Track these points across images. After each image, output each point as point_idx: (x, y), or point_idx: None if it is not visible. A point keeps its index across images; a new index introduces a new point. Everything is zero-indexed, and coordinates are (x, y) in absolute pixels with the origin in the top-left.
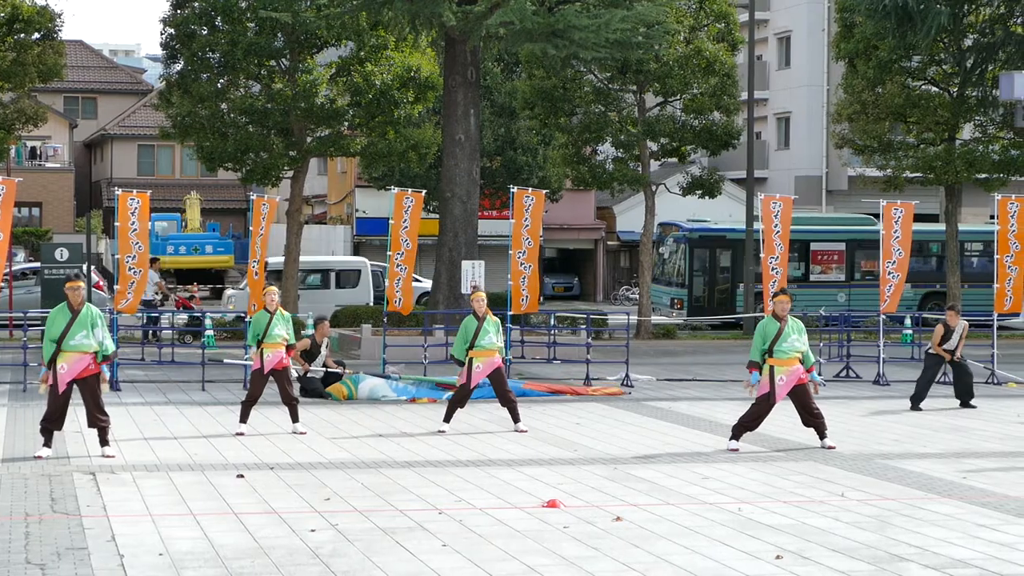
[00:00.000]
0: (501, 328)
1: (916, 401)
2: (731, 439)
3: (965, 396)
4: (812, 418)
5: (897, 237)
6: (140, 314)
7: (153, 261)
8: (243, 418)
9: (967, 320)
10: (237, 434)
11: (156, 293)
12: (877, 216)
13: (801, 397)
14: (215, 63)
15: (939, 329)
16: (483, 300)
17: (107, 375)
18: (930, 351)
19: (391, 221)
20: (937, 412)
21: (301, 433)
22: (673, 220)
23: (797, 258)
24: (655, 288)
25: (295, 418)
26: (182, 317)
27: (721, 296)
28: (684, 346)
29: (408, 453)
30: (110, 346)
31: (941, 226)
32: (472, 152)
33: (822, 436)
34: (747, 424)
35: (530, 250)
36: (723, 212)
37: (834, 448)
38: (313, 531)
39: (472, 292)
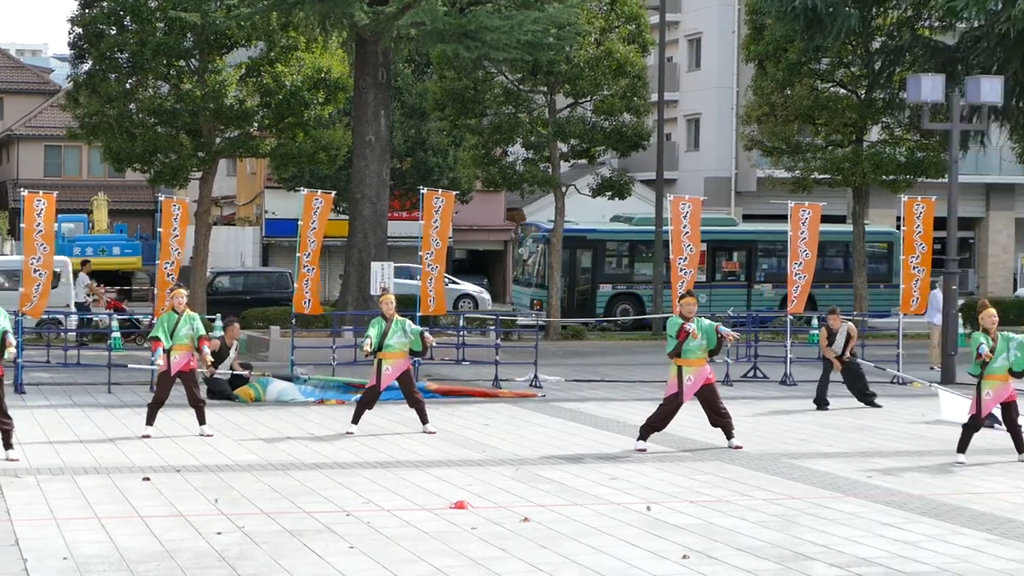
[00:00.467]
0: (409, 329)
1: (819, 403)
2: (639, 439)
3: (863, 397)
4: (719, 418)
5: (804, 238)
6: (71, 316)
7: (84, 263)
8: (149, 420)
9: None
10: (143, 436)
11: (88, 295)
12: (786, 218)
13: (708, 398)
14: (124, 63)
15: (823, 332)
16: (391, 302)
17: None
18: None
19: (300, 222)
20: (843, 412)
21: (208, 435)
22: (534, 221)
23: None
24: (516, 289)
25: (202, 420)
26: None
27: (581, 297)
28: (593, 347)
29: (316, 455)
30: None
31: (782, 226)
32: (382, 153)
33: (729, 436)
34: (655, 424)
35: (438, 251)
36: (633, 213)
37: (741, 448)
38: (220, 534)
39: (381, 294)
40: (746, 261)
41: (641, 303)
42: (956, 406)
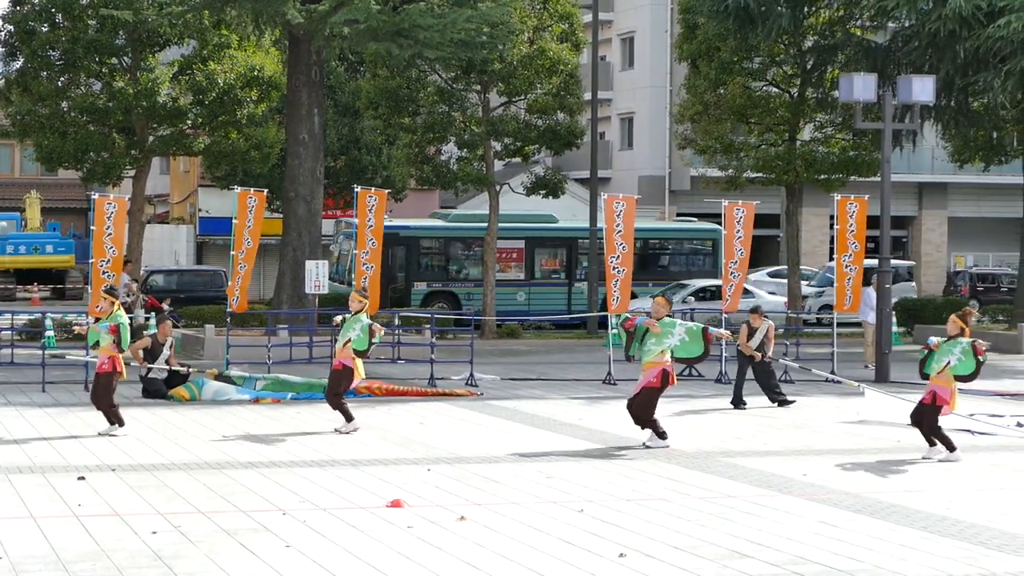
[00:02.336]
0: (358, 327)
1: (736, 403)
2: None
3: (773, 396)
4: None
5: (739, 237)
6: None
7: (126, 263)
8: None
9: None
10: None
11: (128, 295)
12: (720, 216)
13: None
14: (55, 61)
15: (744, 329)
16: (354, 300)
17: None
18: (739, 348)
19: (235, 221)
20: (778, 410)
21: (114, 435)
22: (346, 218)
23: (473, 255)
24: (332, 287)
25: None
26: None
27: (396, 295)
28: (529, 345)
29: (251, 454)
30: None
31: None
32: (316, 151)
33: (646, 434)
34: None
35: (374, 250)
36: (567, 211)
37: (650, 448)
38: (155, 533)
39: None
40: (567, 259)
41: (457, 301)
42: (882, 405)
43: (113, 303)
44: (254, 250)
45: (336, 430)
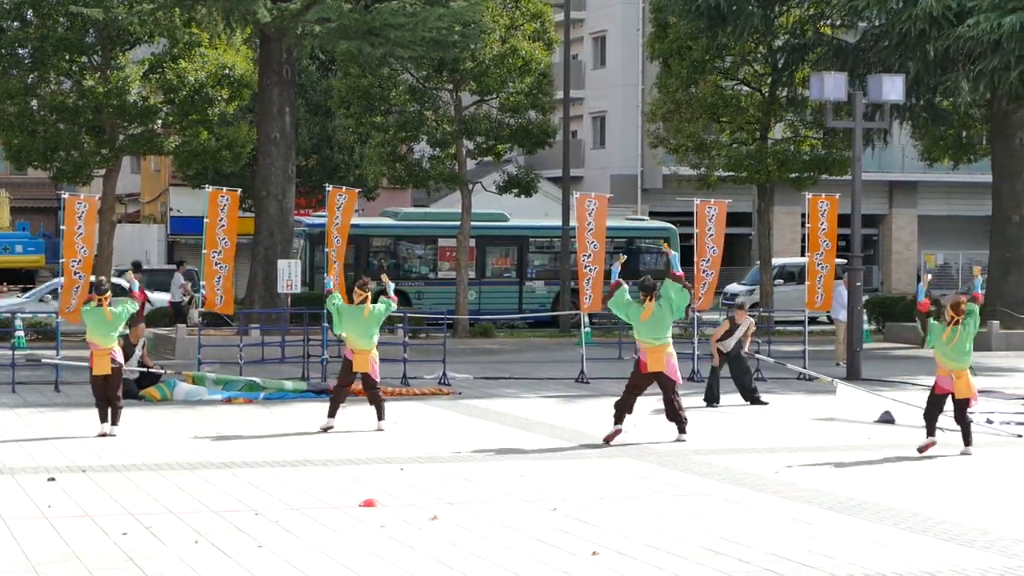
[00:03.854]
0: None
1: (709, 400)
2: (681, 434)
3: (747, 393)
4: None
5: (711, 235)
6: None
7: (179, 264)
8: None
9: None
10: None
11: (184, 295)
12: (692, 215)
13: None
14: (24, 59)
15: (724, 324)
16: (357, 293)
17: None
18: (721, 346)
19: (206, 220)
20: (748, 407)
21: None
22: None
23: (425, 254)
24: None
25: (114, 420)
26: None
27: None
28: (502, 344)
29: (223, 454)
30: None
31: (553, 222)
32: (287, 150)
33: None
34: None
35: (340, 248)
36: (539, 210)
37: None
38: (126, 534)
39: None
40: (518, 258)
41: (408, 300)
42: (855, 402)
43: (101, 300)
44: (232, 250)
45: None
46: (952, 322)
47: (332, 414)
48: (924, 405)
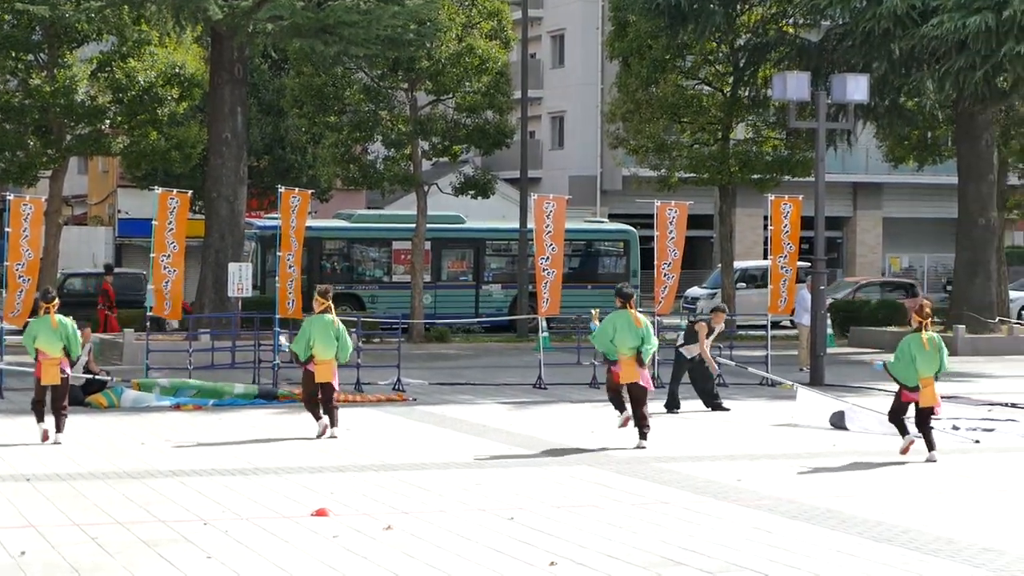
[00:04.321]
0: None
1: (671, 406)
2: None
3: (709, 399)
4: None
5: (672, 238)
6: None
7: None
8: (38, 419)
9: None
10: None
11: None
12: (652, 217)
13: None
14: None
15: (704, 328)
16: (316, 302)
17: None
18: (680, 349)
19: (155, 222)
20: (710, 414)
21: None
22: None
23: (379, 257)
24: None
25: (59, 428)
26: None
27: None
28: (458, 350)
29: (171, 462)
30: None
31: (510, 224)
32: (239, 151)
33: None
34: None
35: (296, 252)
36: (496, 212)
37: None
38: (72, 545)
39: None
40: (474, 261)
41: (361, 304)
42: (815, 407)
43: (48, 308)
44: (181, 254)
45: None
46: (920, 327)
47: (318, 418)
48: (887, 413)
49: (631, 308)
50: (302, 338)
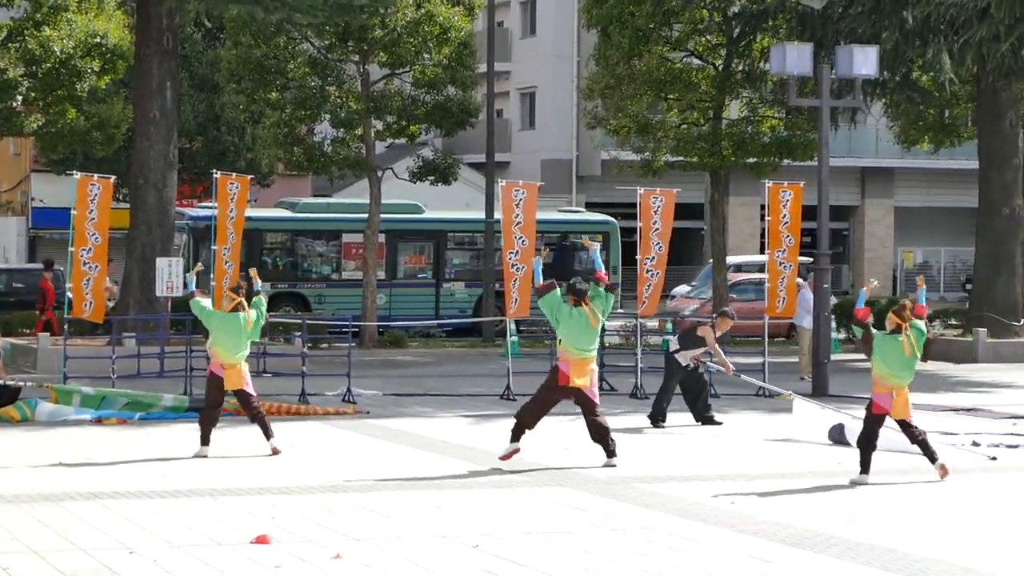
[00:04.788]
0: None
1: (655, 418)
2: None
3: (700, 411)
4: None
5: (656, 229)
6: None
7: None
8: None
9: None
10: None
11: (109, 299)
12: (635, 206)
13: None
14: None
15: (710, 332)
16: (226, 299)
17: None
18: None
19: (74, 212)
20: (700, 428)
21: None
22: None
23: (326, 251)
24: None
25: None
26: None
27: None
28: (416, 356)
29: (93, 483)
30: None
31: (476, 214)
32: (168, 131)
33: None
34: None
35: (233, 246)
36: (459, 201)
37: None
38: None
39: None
40: (434, 255)
41: (307, 304)
42: (814, 420)
43: None
44: (104, 247)
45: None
46: (896, 329)
47: (205, 441)
48: (857, 438)
49: (586, 306)
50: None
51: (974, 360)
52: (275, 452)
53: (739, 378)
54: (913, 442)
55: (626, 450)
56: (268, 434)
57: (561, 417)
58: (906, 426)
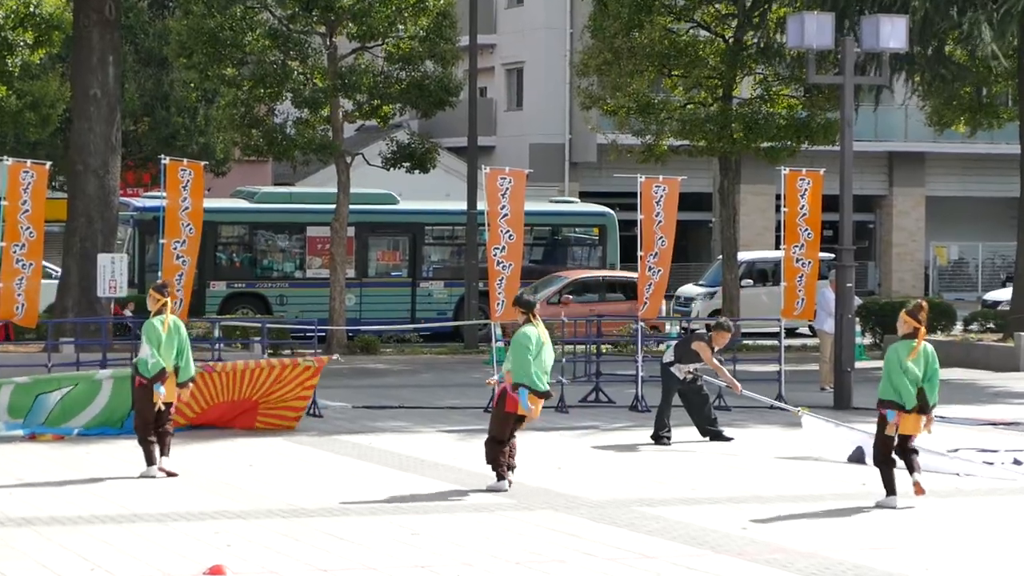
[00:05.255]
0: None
1: (658, 437)
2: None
3: (702, 425)
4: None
5: (660, 222)
6: None
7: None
8: None
9: None
10: None
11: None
12: (635, 196)
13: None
14: None
15: (706, 349)
16: (151, 298)
17: None
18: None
19: (5, 202)
20: (708, 444)
21: None
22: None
23: (289, 247)
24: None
25: None
26: None
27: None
28: (390, 364)
29: (26, 507)
30: None
31: (457, 205)
32: (110, 111)
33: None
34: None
35: (191, 239)
36: (439, 190)
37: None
38: None
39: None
40: (410, 251)
41: (267, 305)
42: (826, 437)
43: None
44: (39, 242)
45: (142, 474)
46: (910, 333)
47: (165, 450)
48: (873, 456)
49: (535, 320)
50: (154, 345)
51: (1015, 368)
52: (151, 477)
53: (744, 395)
54: (900, 456)
55: (625, 469)
56: (165, 451)
57: (551, 434)
58: (905, 440)
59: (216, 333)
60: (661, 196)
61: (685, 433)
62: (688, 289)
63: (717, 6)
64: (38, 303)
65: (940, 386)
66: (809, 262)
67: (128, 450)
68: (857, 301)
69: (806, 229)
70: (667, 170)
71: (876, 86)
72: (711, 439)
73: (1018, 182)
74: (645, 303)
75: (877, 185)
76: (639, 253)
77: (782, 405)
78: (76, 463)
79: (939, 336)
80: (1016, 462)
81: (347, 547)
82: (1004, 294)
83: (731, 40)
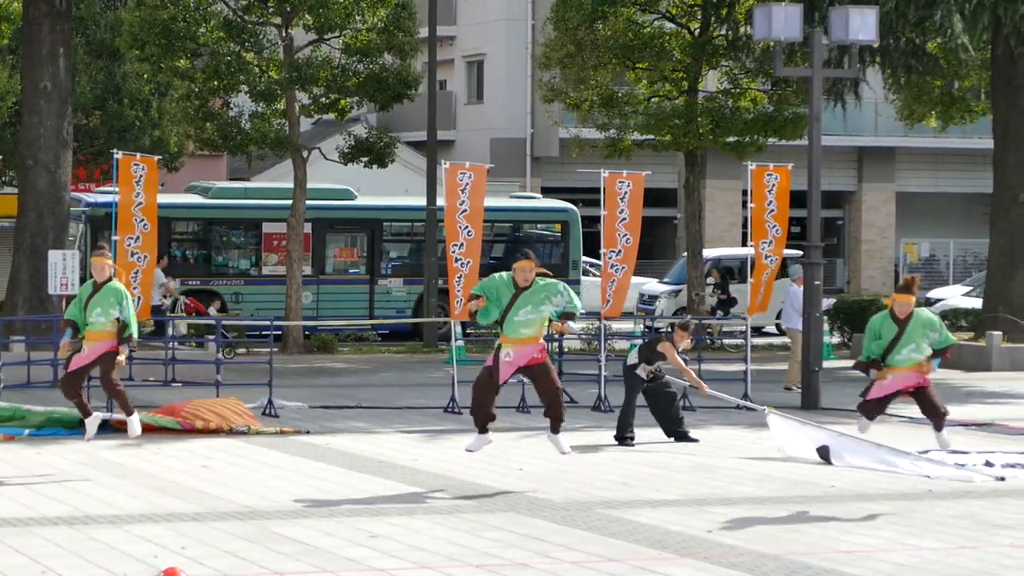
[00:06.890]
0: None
1: (622, 438)
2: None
3: (667, 425)
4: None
5: (623, 219)
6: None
7: (160, 259)
8: None
9: None
10: None
11: (165, 296)
12: (599, 191)
13: (537, 378)
14: None
15: (671, 349)
16: (99, 266)
17: None
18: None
19: None
20: (673, 446)
21: None
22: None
23: (244, 243)
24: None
25: None
26: None
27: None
28: (347, 362)
29: None
30: None
31: (416, 200)
32: (61, 105)
33: (555, 429)
34: (475, 413)
35: (145, 235)
36: (397, 186)
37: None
38: None
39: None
40: (368, 248)
41: (223, 304)
42: (792, 436)
43: None
44: None
45: None
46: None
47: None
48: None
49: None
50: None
51: (987, 368)
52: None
53: (710, 395)
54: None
55: (588, 471)
56: (128, 411)
57: (512, 434)
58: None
59: (170, 331)
60: (625, 192)
61: (649, 434)
62: (652, 287)
63: None
64: None
65: None
66: (775, 259)
67: (80, 451)
68: (831, 301)
69: (774, 225)
70: (631, 165)
71: (846, 79)
72: (676, 440)
73: (990, 177)
74: (608, 301)
75: (846, 180)
76: (602, 250)
77: (749, 404)
78: (27, 464)
79: None
80: (988, 464)
81: (302, 550)
82: (947, 292)
83: (697, 32)
